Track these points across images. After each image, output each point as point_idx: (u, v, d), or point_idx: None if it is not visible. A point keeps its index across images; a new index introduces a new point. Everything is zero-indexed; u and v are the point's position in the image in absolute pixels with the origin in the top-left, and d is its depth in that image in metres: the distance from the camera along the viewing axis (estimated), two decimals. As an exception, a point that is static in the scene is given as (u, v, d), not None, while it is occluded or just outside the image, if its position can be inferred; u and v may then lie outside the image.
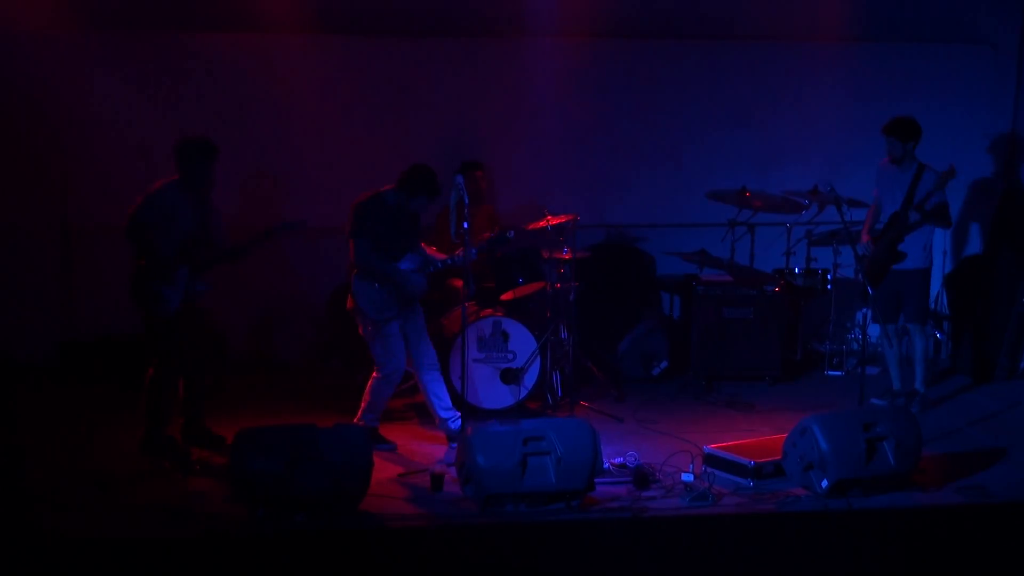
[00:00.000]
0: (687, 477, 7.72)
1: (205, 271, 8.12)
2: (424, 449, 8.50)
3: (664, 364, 10.51)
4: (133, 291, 8.04)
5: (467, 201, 8.08)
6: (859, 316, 11.08)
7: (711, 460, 7.87)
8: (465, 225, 7.99)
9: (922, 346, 9.55)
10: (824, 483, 7.38)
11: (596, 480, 7.33)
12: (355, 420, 8.53)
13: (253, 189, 10.71)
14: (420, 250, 8.66)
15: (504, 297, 9.73)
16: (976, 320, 10.90)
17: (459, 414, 8.62)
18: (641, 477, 7.67)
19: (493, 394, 9.24)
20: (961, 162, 10.60)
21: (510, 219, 10.25)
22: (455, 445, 8.04)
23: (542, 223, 9.49)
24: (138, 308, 8.08)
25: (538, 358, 9.42)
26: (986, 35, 11.72)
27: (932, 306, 11.43)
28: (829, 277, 10.75)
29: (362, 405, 8.59)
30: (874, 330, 10.43)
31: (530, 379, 9.40)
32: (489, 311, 9.44)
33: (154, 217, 8.00)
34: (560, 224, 9.40)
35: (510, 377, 9.34)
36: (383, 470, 7.61)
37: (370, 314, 8.42)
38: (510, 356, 9.31)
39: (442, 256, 8.75)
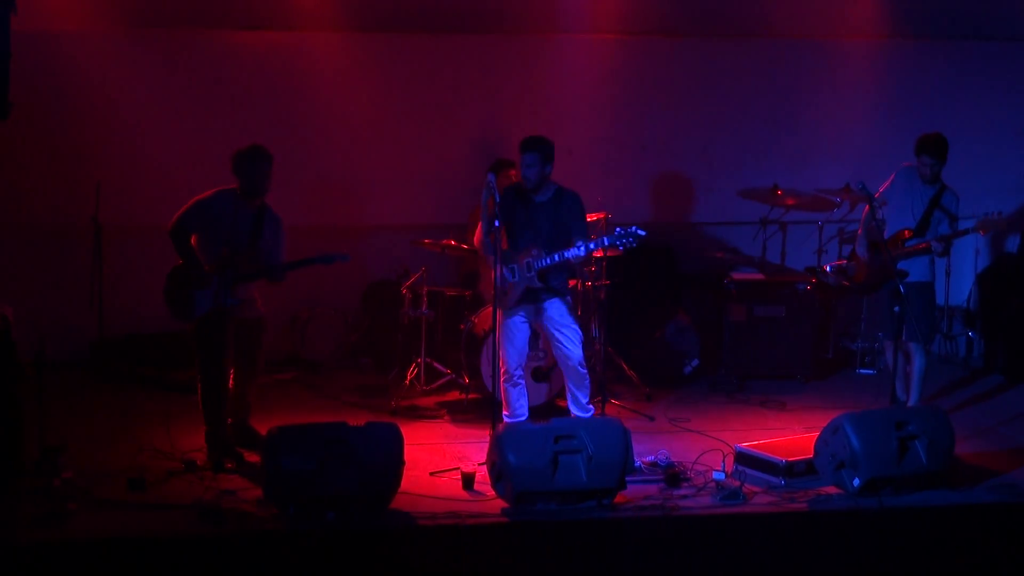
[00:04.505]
0: (718, 475, 7.71)
1: (238, 284, 8.01)
2: (455, 448, 8.51)
3: (695, 362, 10.48)
4: (165, 290, 8.06)
5: (498, 199, 8.08)
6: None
7: (742, 458, 7.85)
8: (496, 223, 7.98)
9: (921, 365, 8.96)
10: (856, 482, 7.35)
11: (627, 478, 7.32)
12: None
13: (286, 187, 10.75)
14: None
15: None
16: (1010, 318, 10.82)
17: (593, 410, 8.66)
18: (672, 475, 7.66)
19: (524, 392, 9.22)
20: (997, 160, 10.58)
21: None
22: None
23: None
24: (166, 307, 8.08)
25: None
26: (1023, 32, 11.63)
27: (964, 304, 11.37)
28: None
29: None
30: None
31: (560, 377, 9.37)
32: (520, 309, 9.41)
33: (197, 223, 8.00)
34: (591, 222, 9.36)
35: (541, 375, 9.33)
36: (414, 469, 7.61)
37: None
38: (541, 355, 9.28)
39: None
